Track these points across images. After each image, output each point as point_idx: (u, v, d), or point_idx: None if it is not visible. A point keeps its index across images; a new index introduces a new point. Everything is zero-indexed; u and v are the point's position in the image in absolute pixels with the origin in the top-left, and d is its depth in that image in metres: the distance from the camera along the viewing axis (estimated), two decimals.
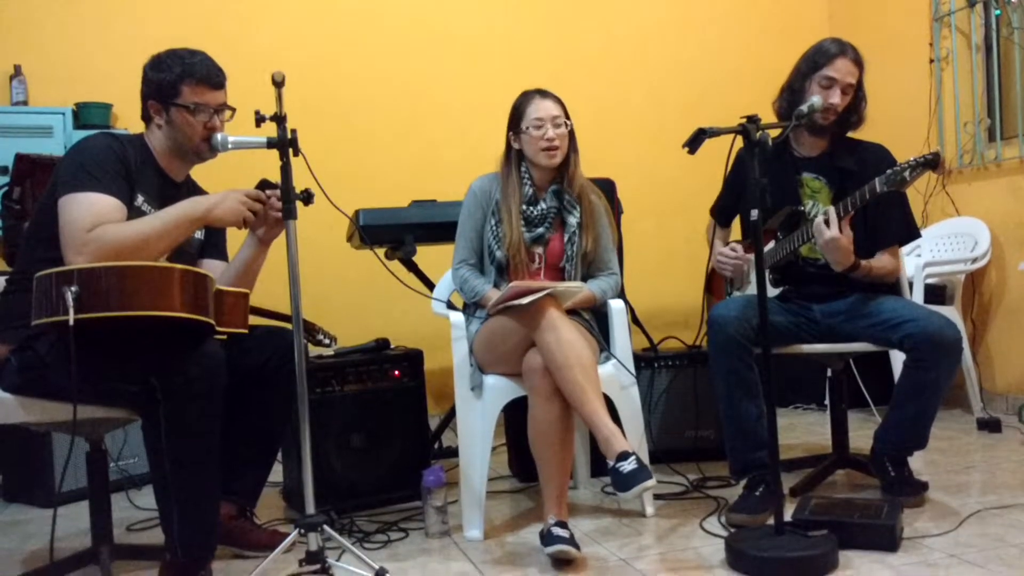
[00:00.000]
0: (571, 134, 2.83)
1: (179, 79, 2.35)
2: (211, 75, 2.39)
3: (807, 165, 2.87)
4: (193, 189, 2.56)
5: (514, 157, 2.85)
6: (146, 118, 2.43)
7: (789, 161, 2.89)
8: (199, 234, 2.53)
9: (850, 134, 2.88)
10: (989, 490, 2.86)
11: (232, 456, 2.43)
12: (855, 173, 2.76)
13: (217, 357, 2.15)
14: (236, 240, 2.56)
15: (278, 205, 2.30)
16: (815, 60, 2.79)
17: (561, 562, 2.36)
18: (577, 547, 2.36)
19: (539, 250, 2.83)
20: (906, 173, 2.51)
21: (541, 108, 2.77)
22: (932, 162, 2.50)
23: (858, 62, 2.78)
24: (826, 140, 2.85)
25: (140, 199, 2.34)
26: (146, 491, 3.21)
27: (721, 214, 3.11)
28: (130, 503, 3.14)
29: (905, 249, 3.01)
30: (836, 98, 2.73)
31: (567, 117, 2.80)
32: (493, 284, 2.81)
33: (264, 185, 2.38)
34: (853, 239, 2.66)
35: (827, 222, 2.61)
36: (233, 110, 2.44)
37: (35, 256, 2.26)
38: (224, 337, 2.24)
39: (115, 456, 3.16)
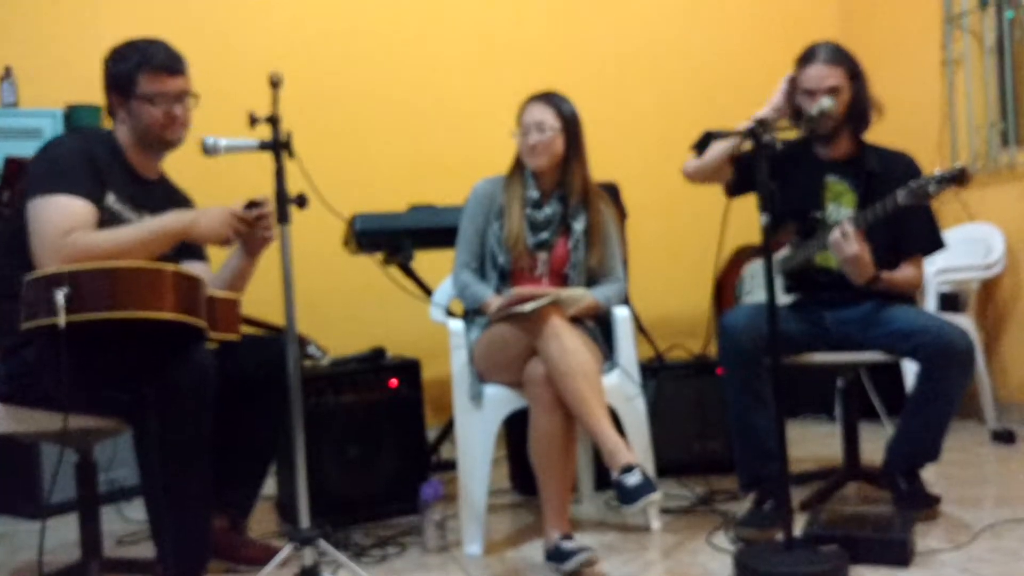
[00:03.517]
0: (572, 140, 2.75)
1: (136, 69, 2.30)
2: (168, 62, 2.33)
3: (832, 168, 2.80)
4: (167, 189, 2.51)
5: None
6: (111, 112, 2.39)
7: (813, 162, 2.82)
8: None
9: (869, 138, 2.80)
10: (1003, 503, 2.82)
11: (224, 468, 2.37)
12: (882, 180, 2.68)
13: (207, 365, 2.12)
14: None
15: (266, 224, 2.29)
16: (797, 74, 2.74)
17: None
18: (593, 549, 2.32)
19: (543, 256, 2.77)
20: (930, 187, 2.45)
21: (527, 113, 2.75)
22: (959, 178, 2.43)
23: (836, 62, 2.69)
24: (849, 143, 2.78)
25: (111, 198, 2.28)
26: (137, 503, 3.16)
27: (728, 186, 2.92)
28: (120, 516, 3.10)
29: None
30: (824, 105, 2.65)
31: (564, 124, 2.73)
32: (495, 290, 2.74)
33: (252, 205, 2.32)
34: (874, 249, 2.60)
35: (844, 235, 2.55)
36: (197, 96, 2.38)
37: (12, 262, 2.20)
38: (215, 345, 2.19)
39: (105, 467, 3.10)
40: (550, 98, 2.76)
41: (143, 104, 2.31)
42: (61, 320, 1.89)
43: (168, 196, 2.49)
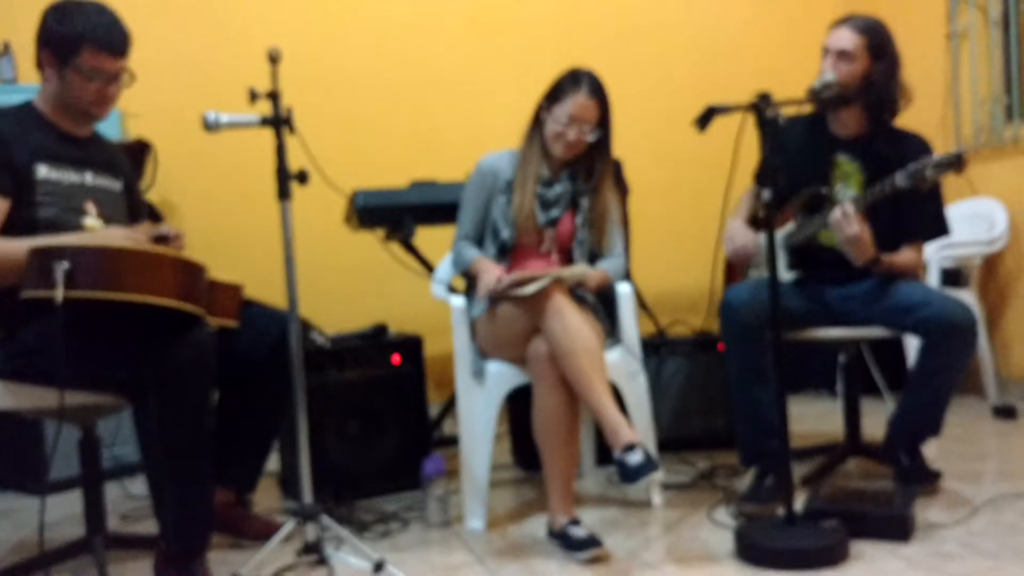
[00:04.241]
0: (604, 142, 2.70)
1: (79, 40, 2.19)
2: (114, 41, 2.23)
3: (844, 146, 2.77)
4: (103, 145, 2.45)
5: (539, 130, 2.73)
6: (39, 65, 2.28)
7: (826, 139, 2.80)
8: (118, 186, 2.43)
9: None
10: (1003, 478, 2.82)
11: (229, 443, 2.39)
12: (892, 162, 2.65)
13: (208, 342, 2.10)
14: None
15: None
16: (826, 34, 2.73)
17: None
18: (602, 543, 2.32)
19: (550, 232, 2.74)
20: (927, 171, 2.43)
21: (579, 107, 2.62)
22: (955, 163, 2.41)
23: (861, 31, 2.65)
24: (862, 122, 2.75)
25: (43, 170, 2.23)
26: (141, 479, 3.16)
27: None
28: (124, 491, 3.11)
29: None
30: (827, 66, 2.64)
31: (603, 124, 2.67)
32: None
33: (161, 239, 2.26)
34: (878, 230, 2.59)
35: (844, 216, 2.54)
36: (133, 75, 2.30)
37: None
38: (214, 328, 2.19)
39: (109, 443, 3.11)
40: (601, 92, 2.65)
41: (77, 76, 2.22)
42: (59, 294, 1.88)
43: (108, 154, 2.45)
